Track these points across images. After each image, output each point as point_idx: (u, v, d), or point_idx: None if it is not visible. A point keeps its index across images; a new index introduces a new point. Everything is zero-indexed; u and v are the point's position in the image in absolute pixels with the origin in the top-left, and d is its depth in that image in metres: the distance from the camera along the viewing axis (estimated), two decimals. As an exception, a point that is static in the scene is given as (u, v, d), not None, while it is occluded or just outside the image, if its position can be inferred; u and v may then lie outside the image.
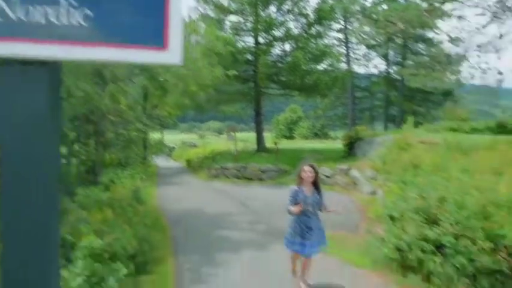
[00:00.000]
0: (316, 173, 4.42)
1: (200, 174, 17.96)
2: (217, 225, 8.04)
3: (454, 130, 20.52)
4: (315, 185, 4.43)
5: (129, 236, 5.29)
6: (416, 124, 23.38)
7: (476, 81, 19.37)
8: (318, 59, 18.08)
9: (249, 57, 19.02)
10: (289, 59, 18.52)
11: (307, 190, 4.36)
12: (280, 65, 19.44)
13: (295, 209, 4.21)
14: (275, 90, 21.74)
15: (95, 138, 10.46)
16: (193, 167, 20.69)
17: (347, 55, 29.77)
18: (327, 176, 13.35)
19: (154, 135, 24.17)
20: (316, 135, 35.90)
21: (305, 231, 4.32)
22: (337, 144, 20.43)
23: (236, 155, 17.43)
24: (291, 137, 40.65)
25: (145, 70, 9.08)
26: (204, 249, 6.31)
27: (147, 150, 22.79)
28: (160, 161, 29.23)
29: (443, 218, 4.17)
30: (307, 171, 4.33)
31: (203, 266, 5.44)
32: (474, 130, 21.15)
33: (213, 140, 38.73)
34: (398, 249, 4.49)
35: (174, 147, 37.97)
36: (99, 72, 7.62)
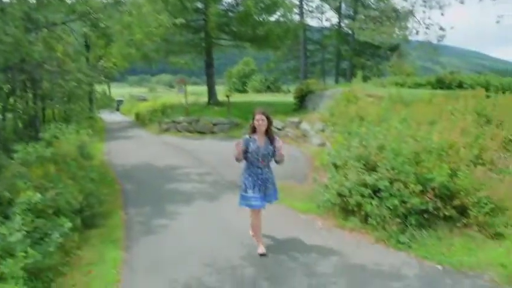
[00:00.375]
0: (269, 121, 4.04)
1: (150, 129, 17.50)
2: (169, 178, 8.02)
3: (399, 85, 21.49)
4: (268, 134, 4.07)
5: (74, 190, 5.13)
6: (365, 78, 24.09)
7: (420, 37, 20.11)
8: (270, 9, 17.61)
9: (199, 5, 18.08)
10: (240, 8, 17.88)
11: (260, 140, 4.03)
12: (231, 14, 18.73)
13: (237, 149, 3.93)
14: (226, 42, 21.09)
15: (32, 91, 9.69)
16: (143, 121, 20.06)
17: (300, 7, 29.23)
18: (278, 129, 13.59)
19: (100, 89, 22.88)
20: (269, 89, 35.94)
21: (259, 184, 4.09)
22: (289, 97, 20.62)
23: (187, 108, 17.07)
24: (244, 91, 40.38)
25: (84, 15, 8.33)
26: (155, 201, 6.31)
27: (93, 104, 21.63)
28: (109, 116, 27.98)
29: (381, 164, 4.46)
30: (259, 120, 3.96)
31: (154, 218, 5.47)
32: (417, 85, 22.30)
33: (164, 94, 37.46)
34: (340, 195, 4.79)
35: (122, 101, 36.35)
36: (29, 17, 6.88)
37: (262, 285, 3.41)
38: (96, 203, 5.53)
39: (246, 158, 4.11)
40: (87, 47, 21.13)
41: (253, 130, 4.06)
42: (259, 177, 4.11)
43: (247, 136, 4.10)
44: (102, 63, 17.69)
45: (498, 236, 4.12)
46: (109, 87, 40.00)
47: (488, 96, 7.73)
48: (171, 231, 4.95)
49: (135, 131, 17.63)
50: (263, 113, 4.03)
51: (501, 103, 7.00)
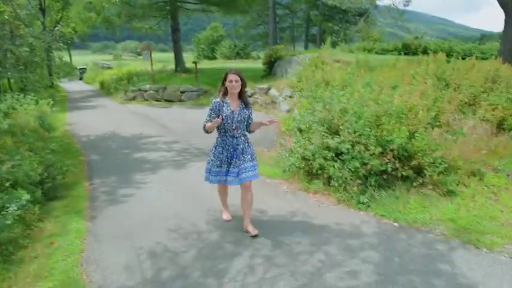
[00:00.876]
0: (243, 83, 3.55)
1: (116, 97, 16.93)
2: (135, 147, 7.88)
3: (366, 50, 21.68)
4: (242, 98, 3.62)
5: (33, 162, 4.95)
6: (334, 44, 24.07)
7: (387, 1, 20.14)
8: (237, -30, 17.02)
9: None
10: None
11: (233, 104, 3.56)
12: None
13: (213, 122, 3.46)
14: (193, 5, 20.31)
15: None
16: (108, 89, 19.33)
17: (269, -31, 28.36)
18: (248, 96, 13.49)
19: (60, 56, 21.67)
20: (238, 55, 35.28)
21: (233, 156, 3.61)
22: (258, 64, 20.37)
23: (153, 75, 16.54)
24: (213, 57, 39.46)
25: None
26: (121, 171, 6.20)
27: (53, 73, 20.55)
28: (71, 85, 26.76)
29: (344, 127, 4.55)
30: (232, 81, 3.47)
31: (119, 188, 5.40)
32: (384, 51, 22.59)
33: (130, 61, 36.02)
34: (304, 159, 4.88)
35: (85, 69, 34.72)
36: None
37: (227, 248, 3.49)
38: (59, 174, 5.37)
39: (217, 127, 3.62)
40: (43, 11, 19.78)
41: (225, 93, 3.58)
42: (234, 148, 3.61)
43: (218, 99, 3.58)
44: (59, 29, 16.63)
45: (450, 193, 4.38)
46: (70, 54, 37.97)
47: (448, 61, 7.93)
48: (137, 200, 4.91)
49: (100, 100, 17.01)
50: (237, 74, 3.52)
51: (459, 68, 7.22)
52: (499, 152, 5.28)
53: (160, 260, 3.33)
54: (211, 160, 3.74)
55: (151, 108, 13.75)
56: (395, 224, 3.89)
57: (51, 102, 11.16)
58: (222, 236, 3.74)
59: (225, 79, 3.55)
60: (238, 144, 3.62)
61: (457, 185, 4.51)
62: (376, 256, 3.26)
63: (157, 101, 15.20)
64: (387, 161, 4.38)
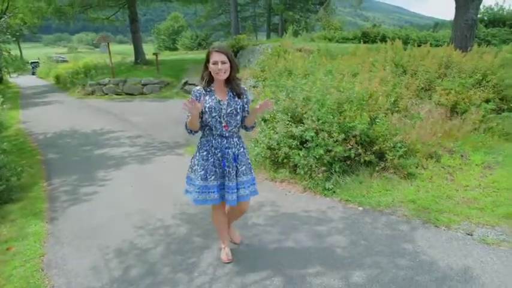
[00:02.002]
0: (233, 65, 2.61)
1: (73, 92, 16.22)
2: (97, 143, 7.59)
3: (327, 39, 22.02)
4: (232, 85, 2.67)
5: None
6: (296, 33, 24.21)
7: (347, -10, 20.55)
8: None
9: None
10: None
11: (221, 93, 2.65)
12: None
13: (190, 111, 2.45)
14: (151, -5, 19.71)
15: None
16: (64, 84, 18.46)
17: (228, -43, 27.94)
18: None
19: (7, 49, 20.31)
20: (200, 45, 34.63)
21: (224, 165, 2.70)
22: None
23: (112, 68, 15.94)
24: (174, 48, 38.54)
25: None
26: (83, 169, 5.96)
27: (2, 67, 19.31)
28: (23, 80, 25.28)
29: (307, 115, 4.60)
30: (217, 62, 2.52)
31: (81, 186, 5.19)
32: (345, 39, 23.05)
33: (86, 54, 34.47)
34: (270, 148, 4.90)
35: (38, 63, 32.88)
36: None
37: (196, 242, 3.46)
38: (12, 175, 5.07)
39: (201, 124, 2.70)
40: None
41: (210, 79, 2.65)
42: (224, 153, 2.69)
43: (200, 88, 2.66)
44: (6, 19, 15.56)
45: (410, 176, 4.56)
46: (20, 48, 35.80)
47: (405, 49, 8.20)
48: (100, 198, 4.75)
49: (56, 96, 16.22)
50: (223, 52, 2.55)
51: (415, 55, 7.49)
52: (453, 135, 5.56)
53: (128, 258, 3.25)
54: (193, 169, 2.82)
55: (111, 103, 13.29)
56: (360, 208, 4.01)
57: (1, 99, 10.49)
58: (190, 230, 3.70)
59: (207, 60, 2.58)
60: (229, 148, 2.69)
61: (416, 167, 4.71)
62: (343, 240, 3.35)
63: (117, 94, 14.70)
64: (350, 147, 4.49)
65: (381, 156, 4.68)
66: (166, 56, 24.05)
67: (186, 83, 14.07)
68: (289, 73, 7.74)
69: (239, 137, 2.80)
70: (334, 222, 3.72)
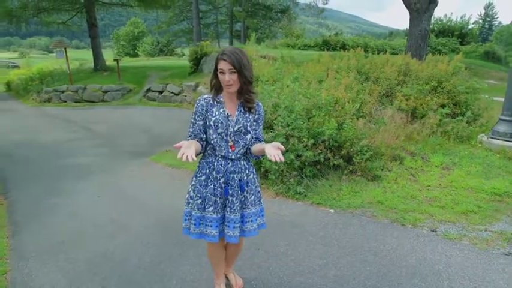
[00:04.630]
0: (243, 75, 2.03)
1: (27, 100, 15.37)
2: (57, 154, 7.26)
3: (290, 46, 22.49)
4: (243, 97, 2.14)
5: None
6: (259, 40, 24.47)
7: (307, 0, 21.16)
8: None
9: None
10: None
11: (231, 106, 2.18)
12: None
13: (181, 148, 1.80)
14: None
15: None
16: (16, 91, 17.47)
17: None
18: (175, 94, 13.21)
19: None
20: (162, 52, 34.18)
21: (227, 193, 2.21)
22: (183, 61, 19.97)
23: (70, 74, 15.32)
24: (135, 55, 37.74)
25: None
26: (43, 180, 5.67)
27: None
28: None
29: (277, 122, 4.69)
30: (224, 71, 2.02)
31: (44, 198, 4.93)
32: (306, 46, 23.67)
33: (40, 59, 32.90)
34: (241, 154, 4.93)
35: (-15, 69, 30.91)
36: None
37: (171, 250, 3.40)
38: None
39: (206, 141, 2.21)
40: None
41: (219, 88, 2.17)
42: (229, 179, 2.20)
43: (208, 97, 2.20)
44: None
45: (376, 178, 4.77)
46: (-34, 52, 33.61)
47: (366, 56, 8.58)
48: (66, 209, 4.54)
49: (8, 104, 15.30)
50: (231, 59, 2.00)
51: (376, 62, 7.86)
52: (414, 138, 5.88)
53: (100, 270, 3.13)
54: (190, 197, 2.31)
55: (71, 111, 12.77)
56: (331, 211, 4.13)
57: None
58: (164, 238, 3.64)
59: (215, 68, 2.11)
60: (234, 172, 2.21)
61: (382, 169, 4.93)
62: (317, 242, 3.43)
63: (77, 102, 14.15)
64: (319, 151, 4.62)
65: (348, 159, 4.85)
66: (127, 62, 23.49)
67: (149, 90, 13.82)
68: (256, 80, 7.84)
69: (248, 160, 2.31)
70: (307, 225, 3.81)
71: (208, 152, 2.24)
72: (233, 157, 2.19)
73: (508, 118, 5.81)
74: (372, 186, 4.63)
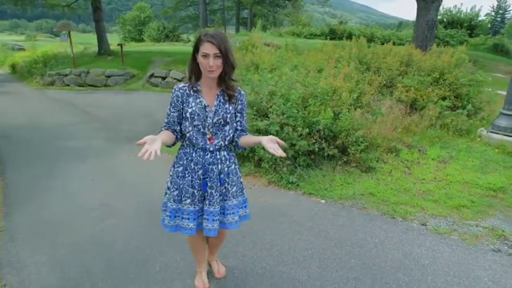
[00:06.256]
0: (227, 60, 1.90)
1: (31, 83, 15.40)
2: (58, 136, 7.28)
3: (295, 35, 22.22)
4: (225, 84, 2.01)
5: None
6: (264, 28, 24.25)
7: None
8: None
9: None
10: None
11: (209, 95, 2.05)
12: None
13: (145, 138, 1.66)
14: (116, -17, 19.00)
15: None
16: (21, 74, 17.48)
17: None
18: (178, 80, 13.15)
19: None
20: (168, 37, 33.92)
21: (205, 186, 2.11)
22: (189, 47, 19.83)
23: (74, 57, 15.29)
24: (141, 40, 37.54)
25: None
26: (41, 162, 5.70)
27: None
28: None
29: (272, 110, 4.64)
30: (208, 54, 1.86)
31: (39, 180, 4.96)
32: (312, 35, 23.37)
33: (46, 42, 32.88)
34: (236, 142, 4.90)
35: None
36: None
37: (158, 236, 3.41)
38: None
39: (180, 133, 2.11)
40: None
41: (198, 75, 2.03)
42: (207, 171, 2.10)
43: (183, 86, 2.06)
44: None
45: (371, 169, 4.72)
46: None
47: (369, 46, 8.44)
48: (60, 192, 4.56)
49: (12, 86, 15.33)
50: (216, 41, 1.85)
51: (378, 52, 7.73)
52: (412, 130, 5.80)
53: (87, 254, 3.15)
54: (168, 188, 2.22)
55: (74, 94, 12.77)
56: (323, 201, 4.11)
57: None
58: (152, 224, 3.64)
59: (196, 50, 1.93)
60: (213, 164, 2.10)
61: (377, 161, 4.88)
62: (305, 233, 3.42)
63: (80, 86, 14.14)
64: (314, 141, 4.57)
65: (343, 150, 4.80)
66: (132, 47, 23.39)
67: (152, 76, 13.76)
68: (256, 67, 7.76)
69: (229, 150, 2.19)
70: (298, 215, 3.79)
71: (187, 142, 2.12)
72: (211, 149, 2.08)
73: (509, 112, 5.70)
74: (365, 177, 4.59)
